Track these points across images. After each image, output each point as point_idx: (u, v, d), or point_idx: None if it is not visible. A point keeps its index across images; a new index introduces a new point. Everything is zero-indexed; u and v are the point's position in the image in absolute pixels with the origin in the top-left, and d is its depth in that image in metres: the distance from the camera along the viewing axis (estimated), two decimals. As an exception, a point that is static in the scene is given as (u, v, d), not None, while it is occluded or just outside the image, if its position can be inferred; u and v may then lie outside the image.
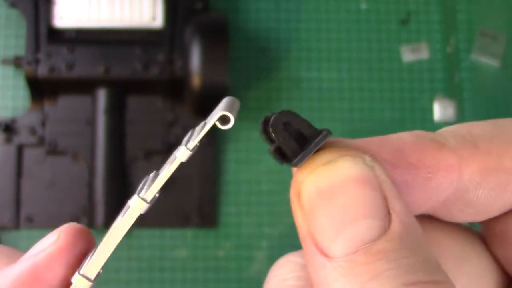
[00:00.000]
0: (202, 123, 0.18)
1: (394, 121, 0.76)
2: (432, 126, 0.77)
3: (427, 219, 0.20)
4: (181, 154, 0.18)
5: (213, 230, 0.73)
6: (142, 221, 0.72)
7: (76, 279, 0.18)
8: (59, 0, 0.72)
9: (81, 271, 0.18)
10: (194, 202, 0.73)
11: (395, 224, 0.16)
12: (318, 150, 0.17)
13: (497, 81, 0.78)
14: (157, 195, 0.18)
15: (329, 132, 0.17)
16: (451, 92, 0.78)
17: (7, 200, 0.71)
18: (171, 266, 0.72)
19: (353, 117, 0.76)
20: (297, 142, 0.17)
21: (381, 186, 0.16)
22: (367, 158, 0.17)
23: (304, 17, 0.79)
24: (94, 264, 0.18)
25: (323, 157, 0.17)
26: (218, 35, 0.70)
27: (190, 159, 0.18)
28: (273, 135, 0.17)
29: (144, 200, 0.18)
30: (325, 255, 0.16)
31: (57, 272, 0.19)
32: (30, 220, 0.71)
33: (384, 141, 0.18)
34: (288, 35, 0.78)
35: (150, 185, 0.18)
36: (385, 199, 0.16)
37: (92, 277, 0.18)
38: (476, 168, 0.18)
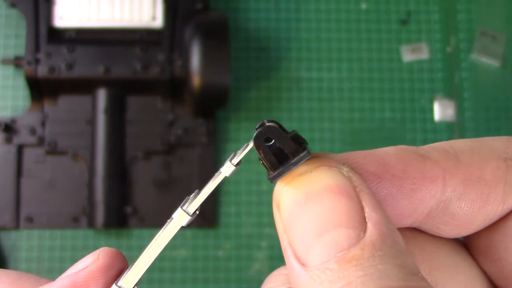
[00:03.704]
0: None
1: (394, 121, 0.76)
2: (432, 126, 0.77)
3: (418, 232, 0.20)
4: (226, 168, 0.19)
5: (213, 230, 0.73)
6: (142, 221, 0.72)
7: None
8: (59, 0, 0.72)
9: (119, 283, 0.19)
10: (194, 202, 0.73)
11: (370, 233, 0.16)
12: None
13: (497, 81, 0.78)
14: (197, 211, 0.19)
15: (309, 154, 0.17)
16: (451, 92, 0.78)
17: (7, 200, 0.71)
18: (171, 266, 0.71)
19: (353, 117, 0.76)
20: (277, 157, 0.17)
21: (358, 196, 0.16)
22: (344, 169, 0.17)
23: (304, 17, 0.79)
24: (132, 275, 0.19)
25: (300, 168, 0.17)
26: (218, 35, 0.70)
27: (233, 174, 0.19)
28: (255, 150, 0.18)
29: (187, 212, 0.19)
30: (303, 264, 0.16)
31: None
32: (30, 220, 0.71)
33: (369, 154, 0.18)
34: (288, 35, 0.78)
35: (193, 199, 0.18)
36: (362, 208, 0.16)
37: None
38: (459, 180, 0.18)
